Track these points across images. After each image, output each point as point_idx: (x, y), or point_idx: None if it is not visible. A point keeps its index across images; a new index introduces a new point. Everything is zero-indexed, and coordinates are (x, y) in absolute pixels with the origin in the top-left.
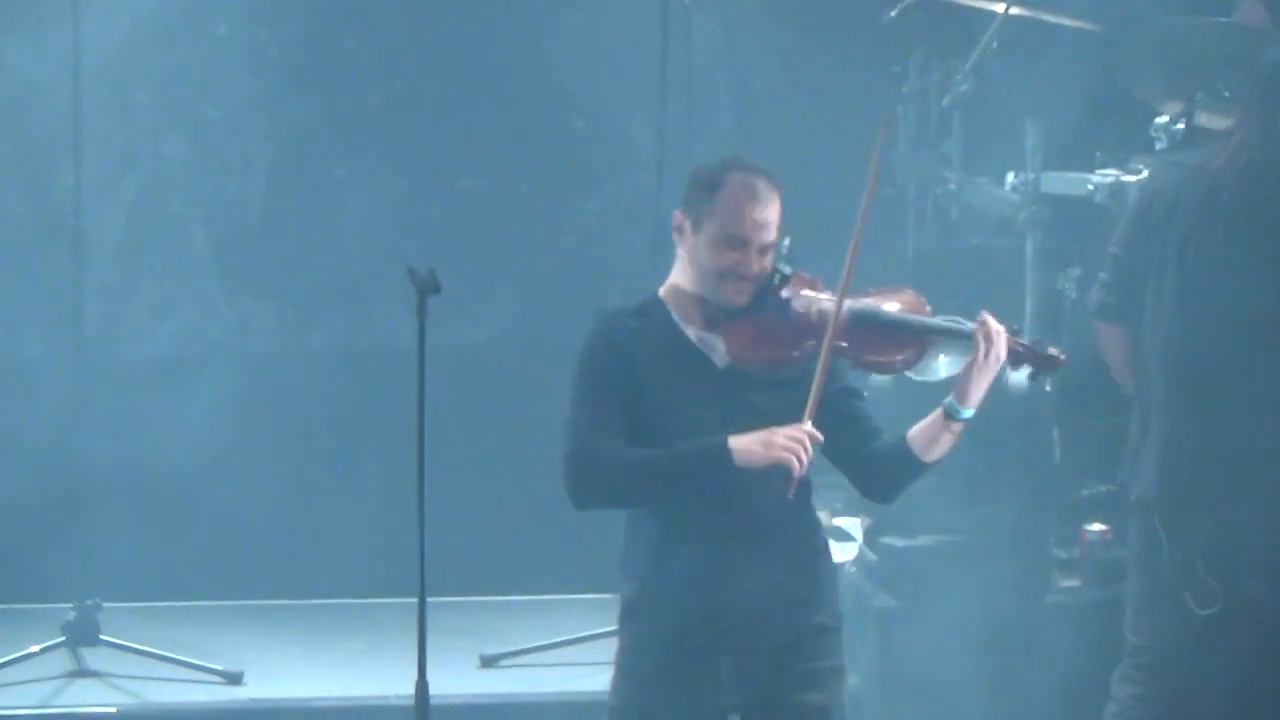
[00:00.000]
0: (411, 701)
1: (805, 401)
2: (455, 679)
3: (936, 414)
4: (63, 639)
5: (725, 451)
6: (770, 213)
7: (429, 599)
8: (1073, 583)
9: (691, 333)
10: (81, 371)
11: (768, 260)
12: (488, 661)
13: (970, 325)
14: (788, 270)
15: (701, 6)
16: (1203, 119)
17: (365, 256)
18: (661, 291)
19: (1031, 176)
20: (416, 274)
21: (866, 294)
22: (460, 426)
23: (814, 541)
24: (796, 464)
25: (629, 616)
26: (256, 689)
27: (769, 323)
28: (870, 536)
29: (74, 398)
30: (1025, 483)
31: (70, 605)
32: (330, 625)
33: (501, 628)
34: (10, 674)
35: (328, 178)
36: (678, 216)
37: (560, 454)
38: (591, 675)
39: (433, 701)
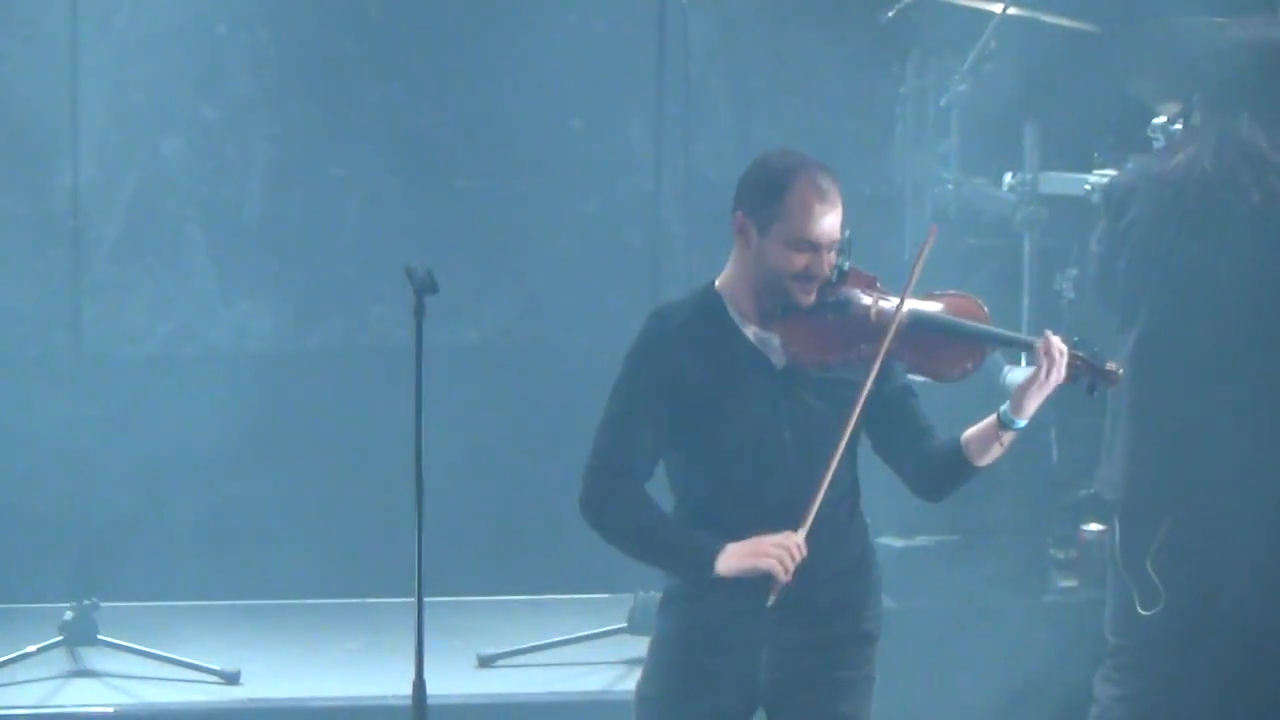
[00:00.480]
0: (409, 701)
1: (854, 401)
2: (453, 679)
3: (990, 421)
4: (60, 638)
5: (712, 560)
6: (838, 213)
7: (427, 599)
8: (1070, 582)
9: (749, 330)
10: (79, 371)
11: (834, 258)
12: (485, 661)
13: (1031, 338)
14: (846, 266)
15: (698, 6)
16: (1199, 120)
17: (363, 256)
18: (718, 284)
19: (1029, 177)
20: (414, 274)
21: (928, 296)
22: (458, 426)
23: (862, 547)
24: (782, 573)
25: (671, 603)
26: (253, 689)
27: (828, 322)
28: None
29: (71, 397)
30: (1022, 483)
31: (67, 605)
32: (327, 625)
33: (499, 628)
34: (7, 674)
35: (325, 178)
36: (740, 219)
37: (585, 462)
38: (589, 675)
39: (430, 701)
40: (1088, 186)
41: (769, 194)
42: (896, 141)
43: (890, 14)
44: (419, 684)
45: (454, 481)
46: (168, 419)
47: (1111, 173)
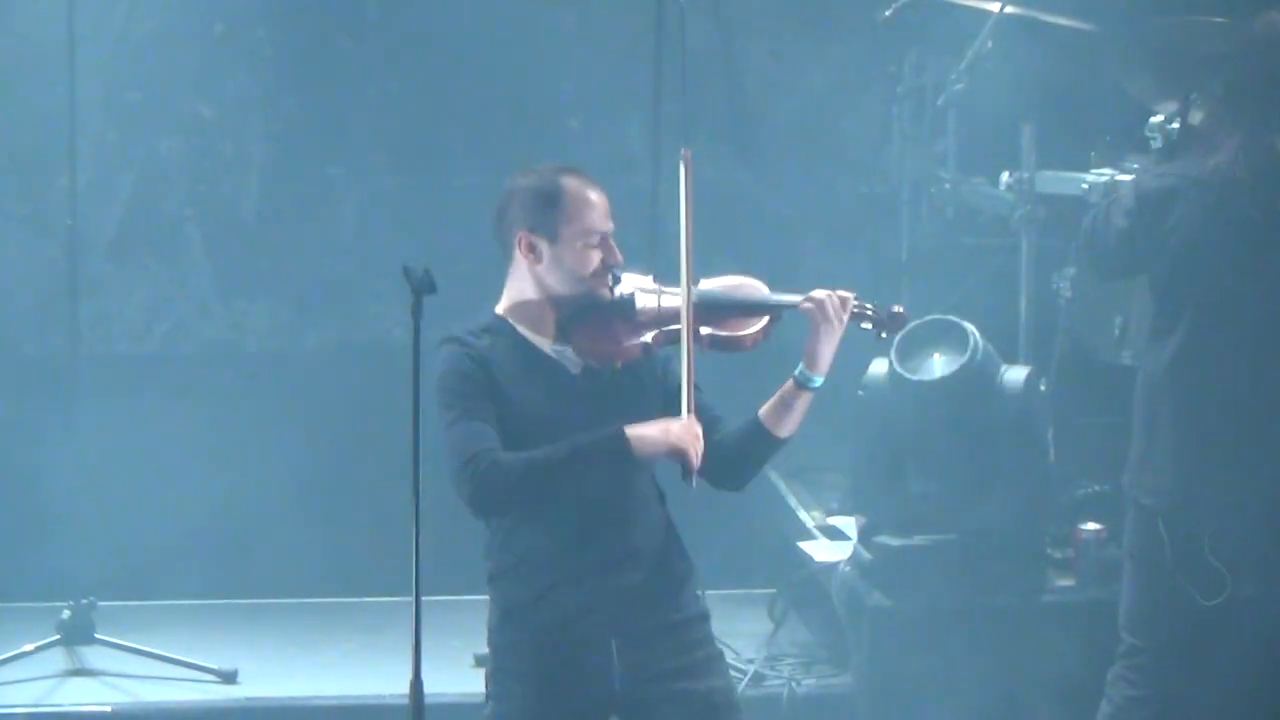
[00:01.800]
0: (406, 700)
1: (676, 398)
2: (450, 678)
3: (788, 385)
4: (58, 637)
5: (624, 440)
6: (607, 203)
7: (424, 598)
8: (1068, 582)
9: (545, 345)
10: (76, 370)
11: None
12: (482, 661)
13: (796, 297)
14: (620, 273)
15: (696, 6)
16: (1197, 118)
17: (360, 255)
18: (500, 310)
19: (1026, 176)
20: (411, 273)
21: (700, 281)
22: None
23: (669, 529)
24: (693, 454)
25: (508, 620)
26: (251, 688)
27: (614, 319)
28: (865, 536)
29: (68, 396)
30: (1020, 482)
31: (65, 604)
32: (325, 624)
33: None
34: (5, 673)
35: (323, 177)
36: (524, 237)
37: (450, 470)
38: None
39: (427, 700)
40: (1085, 185)
41: (544, 206)
42: (894, 141)
43: (887, 14)
44: (416, 683)
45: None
46: (165, 417)
47: (1107, 172)
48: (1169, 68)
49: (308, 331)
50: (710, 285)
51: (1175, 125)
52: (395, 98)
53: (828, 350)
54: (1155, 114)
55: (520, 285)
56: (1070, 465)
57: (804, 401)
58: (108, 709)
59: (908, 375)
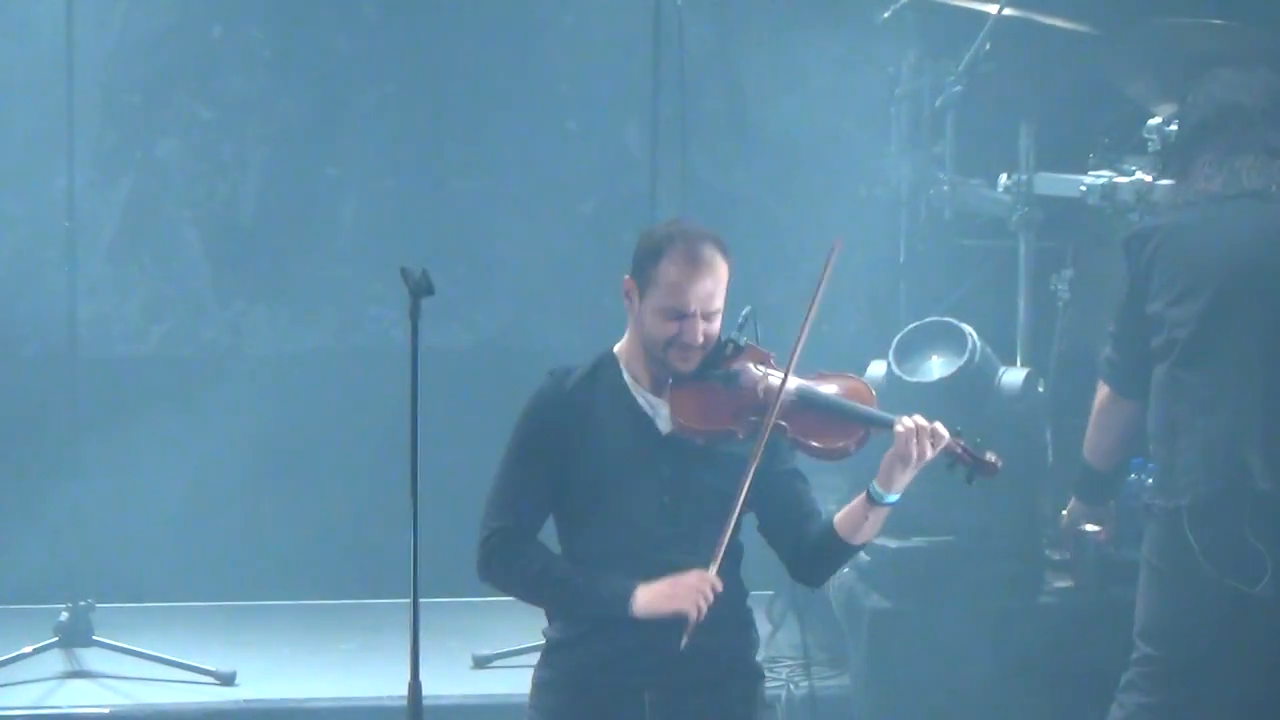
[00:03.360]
0: (404, 702)
1: (775, 487)
2: (448, 679)
3: (861, 499)
4: (55, 639)
5: (629, 601)
6: (713, 282)
7: (422, 600)
8: (1066, 584)
9: (640, 395)
10: (74, 372)
11: (714, 327)
12: (480, 662)
13: (893, 418)
14: (742, 341)
15: (694, 7)
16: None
17: (358, 257)
18: (617, 348)
19: (1024, 178)
20: (410, 275)
21: (814, 376)
22: (454, 428)
23: (740, 607)
24: (695, 614)
25: (548, 656)
26: (249, 690)
27: (715, 394)
28: None
29: (67, 398)
30: (1018, 484)
31: (63, 606)
32: (323, 626)
33: (494, 628)
34: (3, 675)
35: (320, 179)
36: (627, 282)
37: (479, 528)
38: None
39: (425, 702)
40: (1083, 188)
41: (647, 260)
42: (892, 143)
43: (886, 15)
44: (414, 685)
45: (449, 482)
46: (163, 419)
47: (1106, 174)
48: (1167, 70)
49: (306, 333)
50: (815, 384)
51: (1173, 127)
52: (393, 99)
53: (904, 477)
54: (1153, 116)
55: (631, 328)
56: (1068, 467)
57: (877, 515)
58: (106, 711)
59: (906, 377)
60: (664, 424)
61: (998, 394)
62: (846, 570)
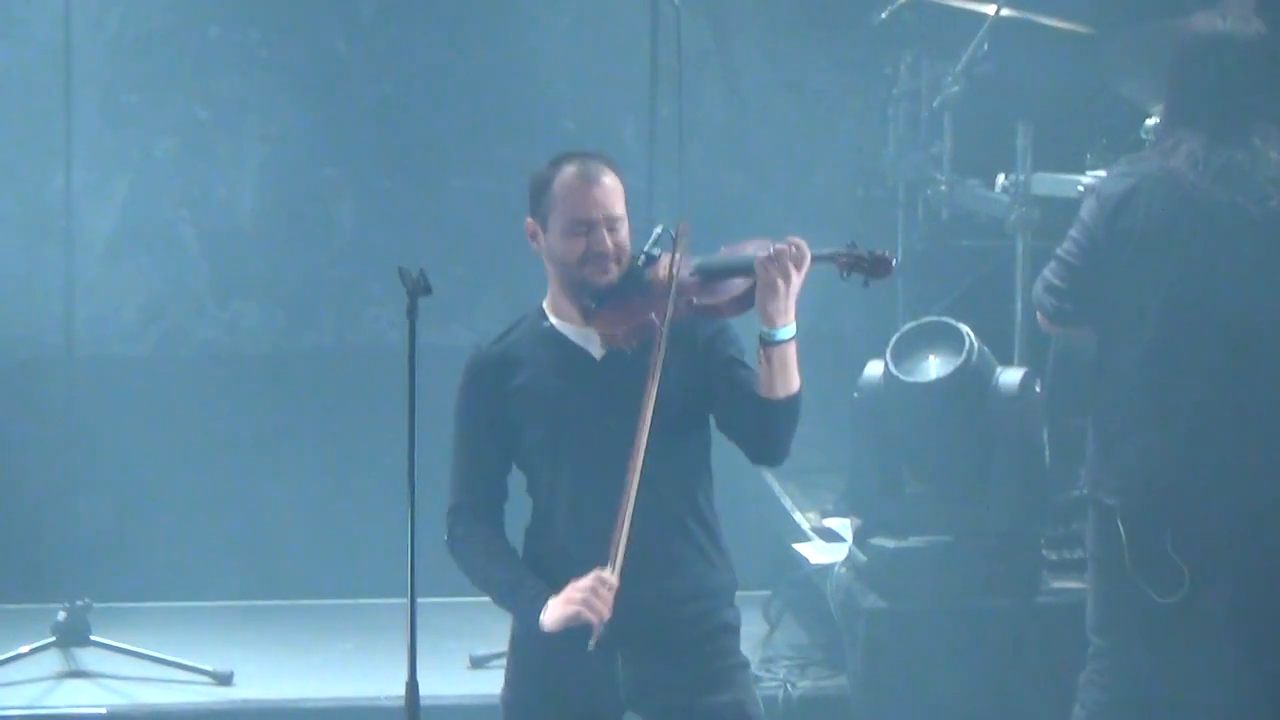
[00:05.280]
0: (401, 702)
1: (721, 372)
2: (445, 679)
3: (759, 350)
4: (53, 639)
5: (536, 614)
6: (605, 190)
7: (419, 600)
8: (1066, 584)
9: (568, 331)
10: (71, 372)
11: (621, 236)
12: (478, 662)
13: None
14: (656, 252)
15: (692, 7)
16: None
17: (355, 257)
18: (544, 303)
19: (1021, 178)
20: (407, 275)
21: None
22: (450, 428)
23: (701, 554)
24: (594, 616)
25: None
26: (246, 690)
27: (628, 297)
28: (860, 537)
29: (64, 398)
30: (1015, 484)
31: (60, 606)
32: (320, 626)
33: (491, 629)
34: (0, 674)
35: (318, 179)
36: (529, 224)
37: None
38: None
39: (423, 702)
40: (1080, 188)
41: (539, 192)
42: (889, 143)
43: (883, 15)
44: (411, 685)
45: (447, 482)
46: (160, 420)
47: (1103, 174)
48: (1164, 70)
49: (303, 333)
50: (710, 254)
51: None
52: (391, 99)
53: (779, 305)
54: (1150, 116)
55: (547, 266)
56: (1065, 467)
57: (779, 356)
58: (103, 711)
59: (903, 377)
60: (597, 350)
61: (995, 394)
62: (844, 570)
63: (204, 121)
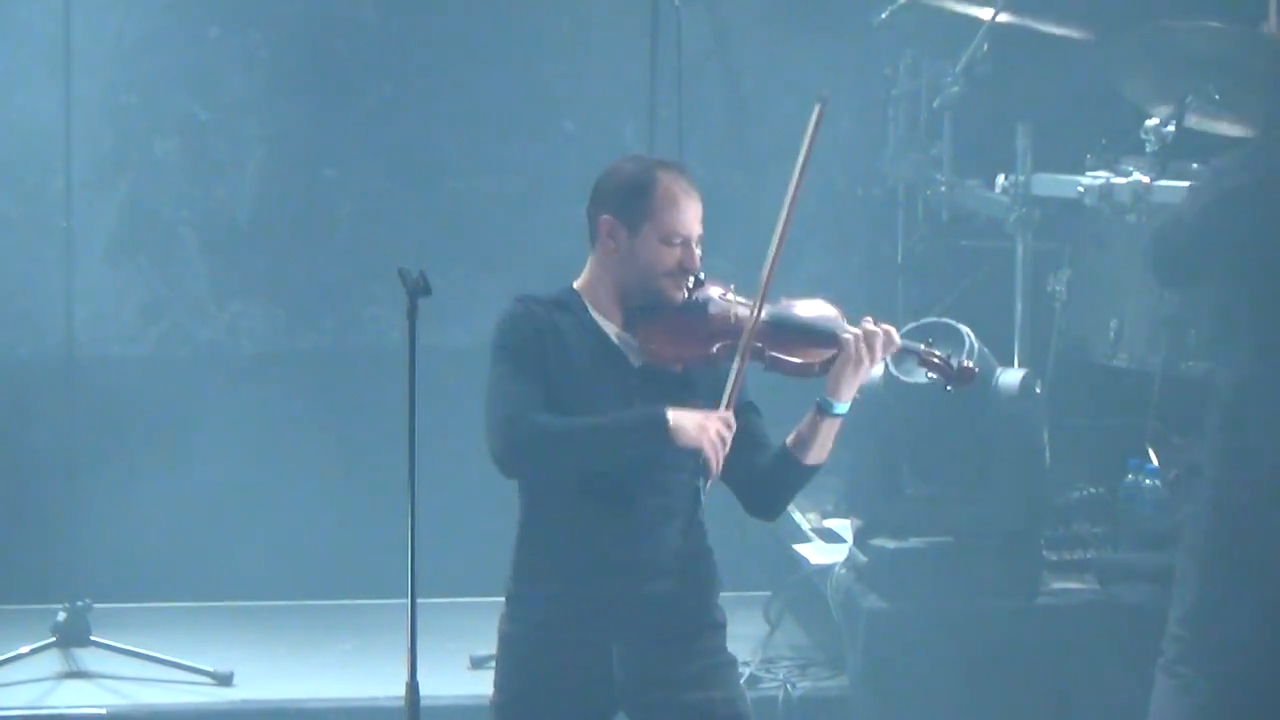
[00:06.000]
0: (402, 702)
1: (717, 396)
2: (445, 680)
3: (811, 412)
4: (53, 640)
5: (664, 424)
6: (699, 204)
7: (419, 600)
8: (1066, 584)
9: (610, 330)
10: (71, 372)
11: (700, 254)
12: (478, 663)
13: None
14: (702, 275)
15: (691, 8)
16: (1193, 121)
17: (355, 258)
18: (577, 285)
19: (1021, 179)
20: (407, 275)
21: (780, 301)
22: (450, 428)
23: (700, 545)
24: (715, 460)
25: (514, 604)
26: (246, 690)
27: (685, 323)
28: (860, 538)
29: (63, 399)
30: (1015, 485)
31: (61, 606)
32: (320, 626)
33: (491, 629)
34: (1, 675)
35: (318, 179)
36: (608, 222)
37: (488, 423)
38: None
39: (423, 702)
40: (1080, 189)
41: (634, 195)
42: (889, 144)
43: (883, 16)
44: (412, 685)
45: (446, 482)
46: (160, 420)
47: (1103, 175)
48: (1164, 71)
49: (303, 334)
50: (786, 306)
51: (1170, 128)
52: (391, 100)
53: (852, 384)
54: (1150, 117)
55: (598, 267)
56: (1066, 468)
57: (829, 428)
58: (103, 711)
59: (903, 378)
60: (635, 358)
61: (995, 395)
62: (844, 571)
63: (204, 122)
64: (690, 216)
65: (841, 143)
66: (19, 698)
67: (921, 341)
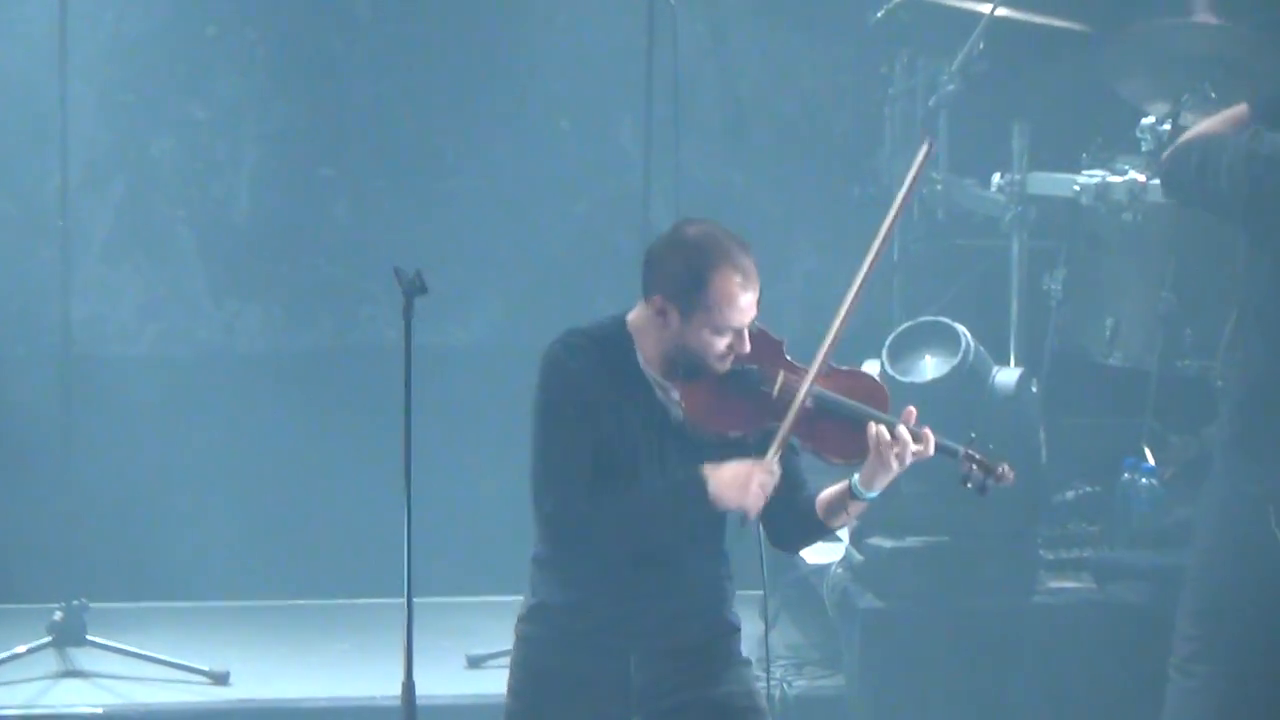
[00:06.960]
0: (398, 702)
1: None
2: (442, 679)
3: (843, 488)
4: (49, 639)
5: (704, 489)
6: (757, 288)
7: (416, 599)
8: (1065, 584)
9: (652, 376)
10: (68, 372)
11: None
12: (474, 662)
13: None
14: (754, 327)
15: (688, 7)
16: (1189, 120)
17: (352, 257)
18: (630, 320)
19: (1017, 177)
20: (403, 275)
21: (832, 375)
22: (447, 427)
23: (720, 568)
24: (755, 510)
25: (538, 614)
26: (243, 689)
27: (730, 395)
28: (857, 537)
29: (60, 398)
30: (1013, 484)
31: (57, 605)
32: (317, 625)
33: (488, 628)
34: None
35: (315, 178)
36: (660, 302)
37: (540, 495)
38: None
39: (419, 702)
40: (1076, 187)
41: (690, 285)
42: (885, 142)
43: (879, 15)
44: (408, 684)
45: (443, 482)
46: (157, 419)
47: (1099, 173)
48: (1160, 70)
49: (300, 333)
50: (832, 389)
51: (1166, 127)
52: (387, 99)
53: (884, 481)
54: (1146, 116)
55: (651, 323)
56: (1062, 466)
57: (855, 508)
58: (99, 711)
59: (899, 377)
60: (676, 410)
61: (991, 393)
62: (840, 570)
63: (200, 121)
64: (745, 313)
65: (837, 141)
66: (15, 697)
67: (963, 444)
